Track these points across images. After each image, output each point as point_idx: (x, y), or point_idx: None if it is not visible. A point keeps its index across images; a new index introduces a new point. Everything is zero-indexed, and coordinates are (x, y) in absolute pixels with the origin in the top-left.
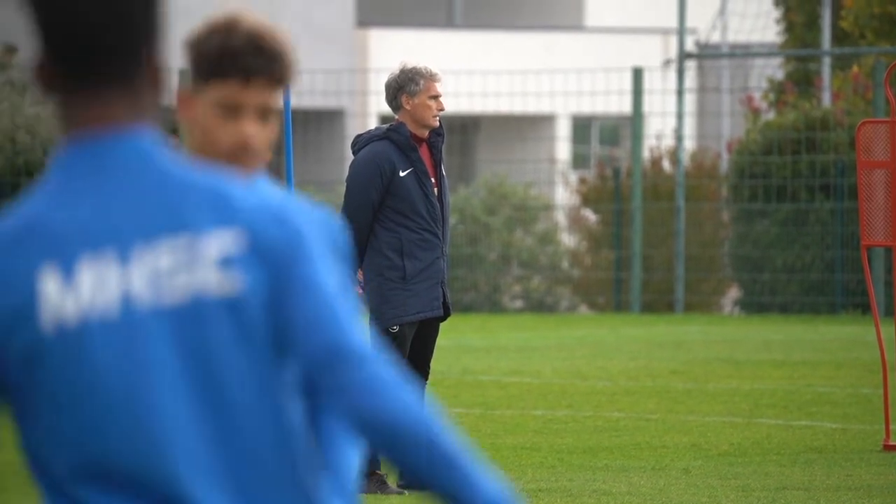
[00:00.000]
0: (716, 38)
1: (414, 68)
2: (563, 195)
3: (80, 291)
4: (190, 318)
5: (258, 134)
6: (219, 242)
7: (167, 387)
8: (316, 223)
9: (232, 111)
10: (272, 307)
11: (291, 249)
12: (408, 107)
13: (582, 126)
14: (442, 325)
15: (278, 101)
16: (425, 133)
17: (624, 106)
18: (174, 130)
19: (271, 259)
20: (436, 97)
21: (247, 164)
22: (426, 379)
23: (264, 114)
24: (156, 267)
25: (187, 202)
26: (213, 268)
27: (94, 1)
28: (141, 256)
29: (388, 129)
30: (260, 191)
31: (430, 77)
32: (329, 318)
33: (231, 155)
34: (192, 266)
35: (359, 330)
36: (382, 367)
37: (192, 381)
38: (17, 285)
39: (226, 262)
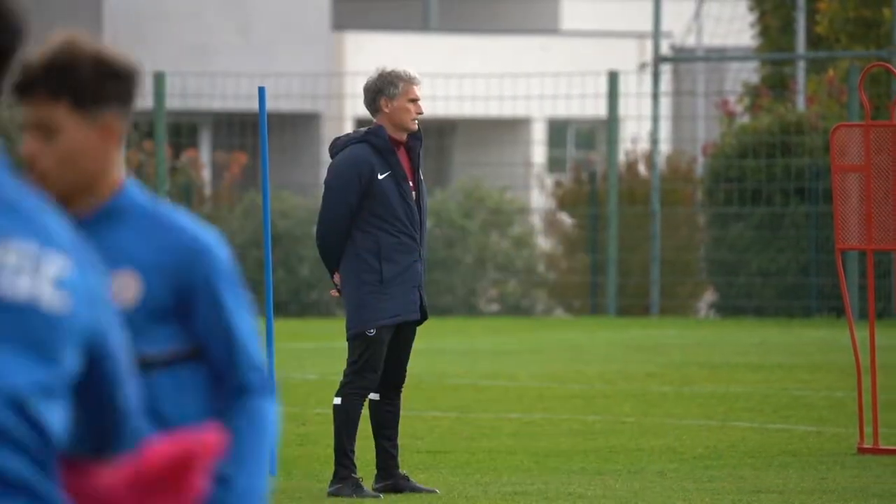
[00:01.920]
0: (691, 41)
1: (393, 71)
2: (539, 199)
3: None
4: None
5: (38, 151)
6: (56, 264)
7: None
8: None
9: (23, 129)
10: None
11: None
12: (387, 110)
13: (558, 130)
14: (418, 329)
15: (62, 114)
16: (404, 136)
17: (600, 109)
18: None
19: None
20: (414, 100)
21: (34, 180)
22: (402, 382)
23: (43, 129)
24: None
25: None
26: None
27: None
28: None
29: (366, 133)
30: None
31: (409, 80)
32: None
33: (26, 172)
34: (34, 274)
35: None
36: None
37: None
38: None
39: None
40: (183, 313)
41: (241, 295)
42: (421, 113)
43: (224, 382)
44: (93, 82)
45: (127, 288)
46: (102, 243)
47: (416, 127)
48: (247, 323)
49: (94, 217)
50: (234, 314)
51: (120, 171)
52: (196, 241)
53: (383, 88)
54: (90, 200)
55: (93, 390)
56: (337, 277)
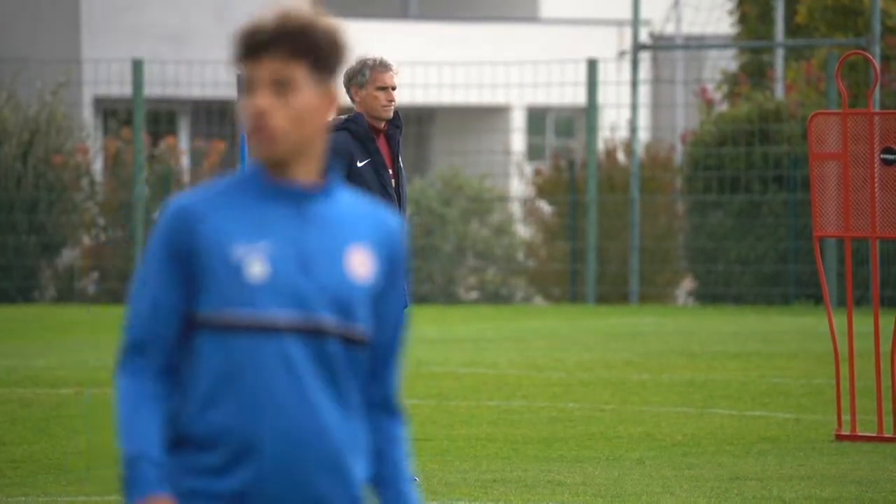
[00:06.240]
0: (670, 29)
1: (363, 59)
2: (519, 187)
3: None
4: None
5: (272, 106)
6: None
7: None
8: None
9: (249, 88)
10: None
11: None
12: (357, 98)
13: (537, 117)
14: None
15: (301, 73)
16: (381, 124)
17: (579, 97)
18: None
19: None
20: (384, 88)
21: (264, 137)
22: None
23: (280, 86)
24: None
25: None
26: None
27: None
28: None
29: (346, 120)
30: None
31: (375, 67)
32: None
33: (251, 130)
34: None
35: None
36: None
37: None
38: None
39: None
40: (381, 294)
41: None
42: (392, 100)
43: (379, 362)
44: (329, 49)
45: (364, 263)
46: (331, 217)
47: (390, 114)
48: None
49: (321, 191)
50: (406, 298)
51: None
52: (397, 226)
53: (352, 77)
54: (306, 171)
55: None
56: None
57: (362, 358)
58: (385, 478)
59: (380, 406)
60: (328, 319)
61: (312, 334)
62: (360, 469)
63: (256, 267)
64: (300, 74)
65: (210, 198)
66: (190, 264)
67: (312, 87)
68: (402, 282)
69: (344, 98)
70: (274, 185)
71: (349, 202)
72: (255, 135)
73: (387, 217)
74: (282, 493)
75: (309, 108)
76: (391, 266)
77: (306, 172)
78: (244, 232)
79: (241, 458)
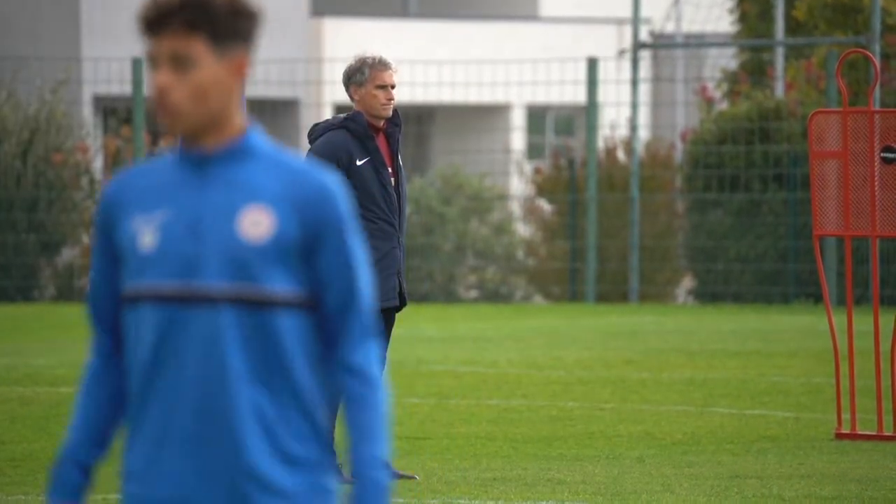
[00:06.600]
0: (670, 28)
1: (362, 58)
2: (518, 185)
3: None
4: None
5: (172, 83)
6: None
7: None
8: None
9: (152, 64)
10: None
11: None
12: (356, 97)
13: (537, 116)
14: (398, 315)
15: (199, 48)
16: (381, 123)
17: (579, 96)
18: None
19: None
20: (383, 86)
21: (167, 113)
22: (382, 368)
23: (178, 62)
24: None
25: None
26: None
27: None
28: None
29: (345, 119)
30: None
31: (375, 66)
32: None
33: (156, 107)
34: None
35: None
36: None
37: None
38: None
39: None
40: (308, 254)
41: (360, 242)
42: (391, 99)
43: (337, 327)
44: (228, 18)
45: (260, 222)
46: (232, 179)
47: (390, 113)
48: (365, 269)
49: (223, 154)
50: (357, 258)
51: (244, 116)
52: (323, 183)
53: (352, 75)
54: (217, 138)
55: None
56: None
57: (287, 321)
58: (352, 442)
59: (343, 369)
60: (217, 284)
61: (196, 302)
62: (248, 446)
63: (147, 237)
64: (198, 48)
65: (130, 176)
66: (113, 244)
67: (213, 60)
68: (345, 243)
69: (339, 95)
70: (184, 155)
71: (266, 163)
72: (159, 111)
73: (311, 176)
74: (141, 484)
75: (209, 82)
76: (314, 225)
77: (220, 139)
78: (144, 204)
79: (129, 439)
